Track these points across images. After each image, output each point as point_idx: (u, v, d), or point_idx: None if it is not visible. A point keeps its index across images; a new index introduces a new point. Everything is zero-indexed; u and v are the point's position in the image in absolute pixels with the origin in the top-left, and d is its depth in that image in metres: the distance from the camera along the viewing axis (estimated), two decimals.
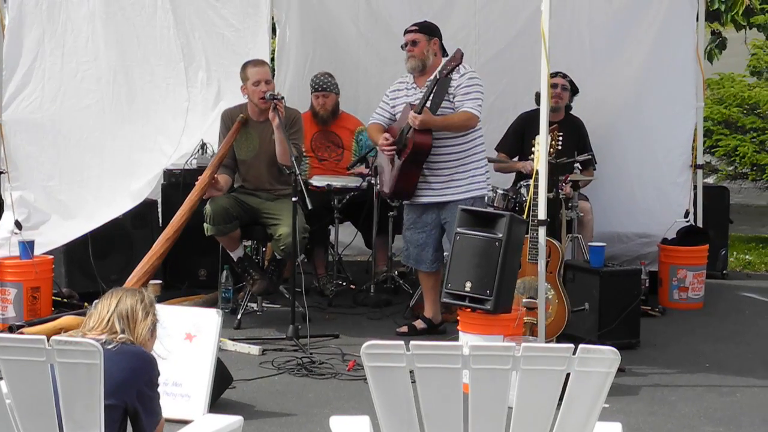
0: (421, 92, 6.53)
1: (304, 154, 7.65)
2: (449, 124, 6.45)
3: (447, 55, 6.63)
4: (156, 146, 7.65)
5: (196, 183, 6.84)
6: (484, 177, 6.62)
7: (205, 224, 6.74)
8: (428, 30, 6.71)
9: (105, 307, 3.63)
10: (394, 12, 8.55)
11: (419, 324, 6.71)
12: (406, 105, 6.57)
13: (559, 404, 3.16)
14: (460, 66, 6.46)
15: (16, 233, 6.72)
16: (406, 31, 6.73)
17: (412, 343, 3.12)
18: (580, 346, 3.14)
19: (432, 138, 6.45)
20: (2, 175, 6.64)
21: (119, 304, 3.63)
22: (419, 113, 6.34)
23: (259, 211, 6.90)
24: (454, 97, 6.45)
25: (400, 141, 6.52)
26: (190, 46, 7.81)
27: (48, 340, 3.21)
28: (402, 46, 6.70)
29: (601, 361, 3.13)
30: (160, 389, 3.64)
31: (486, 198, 6.68)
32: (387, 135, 6.59)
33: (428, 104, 6.38)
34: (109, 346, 3.49)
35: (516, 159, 7.65)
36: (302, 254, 6.88)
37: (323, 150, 7.92)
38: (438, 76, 6.39)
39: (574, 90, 7.76)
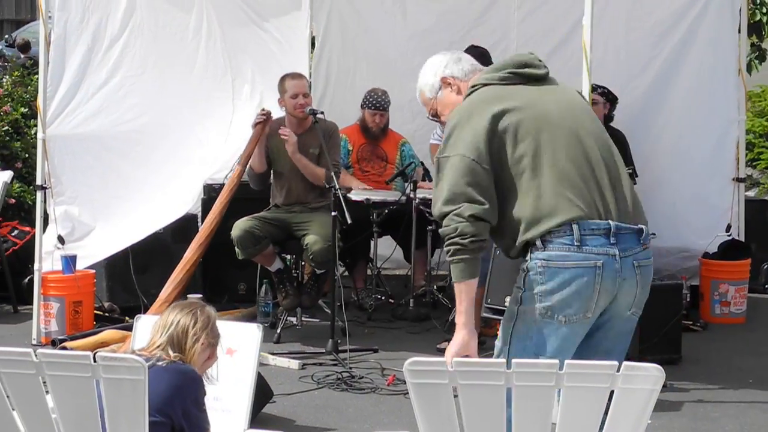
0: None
1: (349, 165, 7.72)
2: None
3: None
4: (198, 159, 7.70)
5: (225, 185, 6.88)
6: None
7: (236, 248, 6.77)
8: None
9: (159, 328, 3.65)
10: (429, 26, 8.54)
11: None
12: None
13: (603, 421, 3.15)
14: None
15: (59, 248, 6.79)
16: None
17: (455, 360, 3.12)
18: (624, 363, 3.12)
19: None
20: (46, 190, 6.70)
21: (173, 325, 3.63)
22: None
23: (290, 224, 6.91)
24: None
25: None
26: (237, 59, 7.88)
27: (93, 356, 3.23)
28: None
29: (645, 378, 3.10)
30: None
31: None
32: None
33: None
34: (159, 363, 3.51)
35: None
36: (342, 266, 6.90)
37: (368, 162, 7.96)
38: None
39: (612, 99, 7.71)
